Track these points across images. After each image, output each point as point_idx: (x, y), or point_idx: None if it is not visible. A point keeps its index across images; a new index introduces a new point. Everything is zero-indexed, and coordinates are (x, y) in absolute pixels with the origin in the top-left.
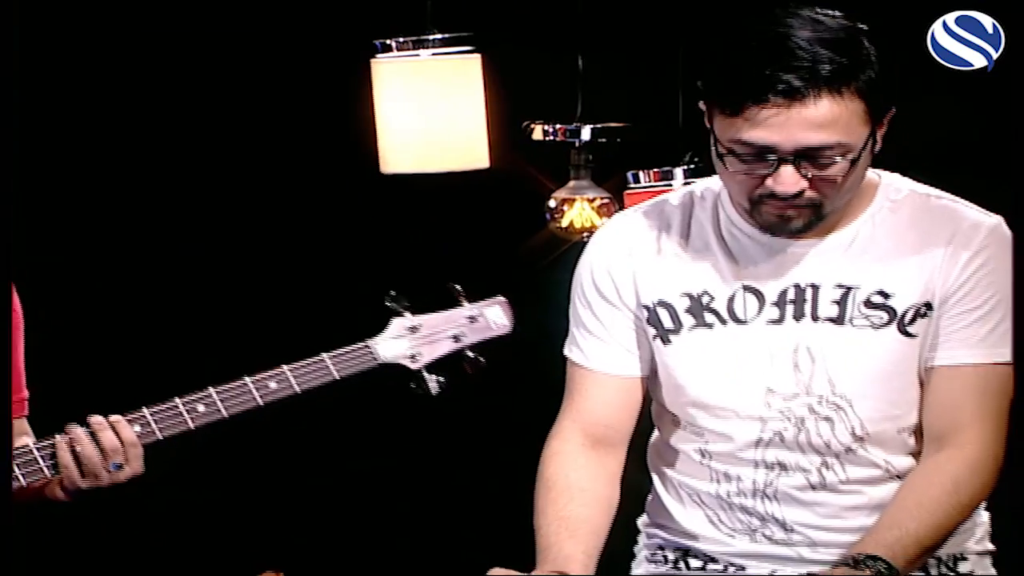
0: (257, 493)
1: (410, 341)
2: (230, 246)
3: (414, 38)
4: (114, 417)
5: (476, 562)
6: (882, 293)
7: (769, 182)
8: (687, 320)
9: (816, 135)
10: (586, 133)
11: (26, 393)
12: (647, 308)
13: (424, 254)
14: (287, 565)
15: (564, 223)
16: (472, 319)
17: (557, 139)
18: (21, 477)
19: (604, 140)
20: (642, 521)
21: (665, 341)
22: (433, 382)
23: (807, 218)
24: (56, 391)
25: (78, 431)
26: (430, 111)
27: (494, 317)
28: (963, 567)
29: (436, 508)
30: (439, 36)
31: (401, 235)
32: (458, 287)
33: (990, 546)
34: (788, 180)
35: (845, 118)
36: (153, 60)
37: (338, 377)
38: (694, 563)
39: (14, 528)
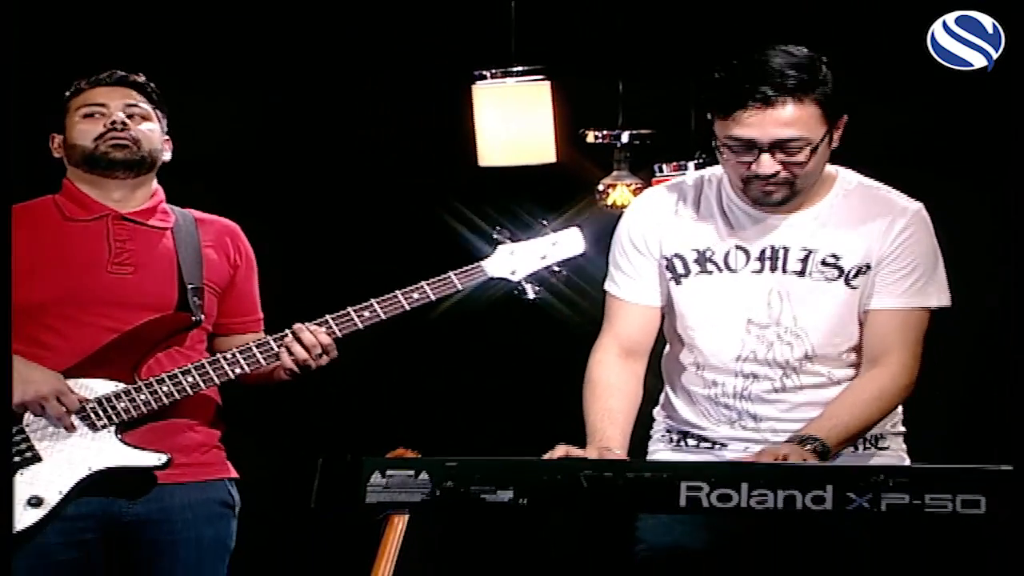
0: (395, 383)
1: (509, 261)
2: (377, 214)
3: (502, 70)
4: (310, 324)
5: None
6: (834, 256)
7: (753, 167)
8: (694, 268)
9: (785, 131)
10: (625, 137)
11: (261, 314)
12: (666, 258)
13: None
14: (418, 442)
15: (609, 202)
16: (554, 244)
17: (604, 141)
18: (246, 365)
19: (638, 142)
20: (656, 412)
21: (678, 282)
22: (530, 290)
23: (784, 193)
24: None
25: (288, 337)
26: (513, 121)
27: (571, 241)
28: (882, 443)
29: (532, 400)
30: (520, 68)
31: (494, 208)
32: (544, 221)
33: (902, 428)
34: (766, 165)
35: (805, 118)
36: (334, 86)
37: (460, 288)
38: (691, 442)
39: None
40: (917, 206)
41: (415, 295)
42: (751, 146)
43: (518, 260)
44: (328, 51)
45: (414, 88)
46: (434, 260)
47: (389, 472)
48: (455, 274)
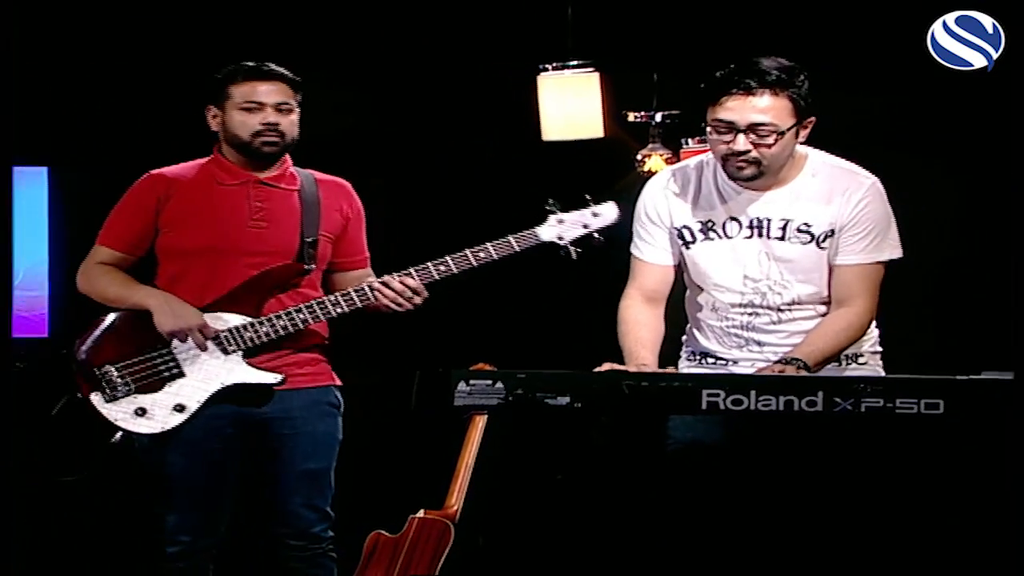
0: (478, 311)
1: (558, 228)
2: (463, 183)
3: (561, 63)
4: (397, 274)
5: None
6: (807, 224)
7: (731, 145)
8: (699, 236)
9: (759, 116)
10: (658, 117)
11: (367, 254)
12: (676, 229)
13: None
14: (495, 358)
15: (645, 168)
16: (595, 214)
17: (642, 120)
18: (346, 306)
19: (669, 121)
20: (683, 339)
21: (687, 247)
22: (573, 252)
23: (753, 171)
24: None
25: (378, 283)
26: (570, 104)
27: (608, 212)
28: (860, 361)
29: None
30: (575, 62)
31: (555, 174)
32: (588, 196)
33: (879, 348)
34: (740, 143)
35: (777, 109)
36: (422, 84)
37: (517, 249)
38: (709, 360)
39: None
40: (872, 180)
41: (481, 254)
42: (731, 127)
43: (565, 227)
44: (426, 51)
45: (494, 78)
46: (505, 220)
47: (472, 381)
48: (513, 237)
